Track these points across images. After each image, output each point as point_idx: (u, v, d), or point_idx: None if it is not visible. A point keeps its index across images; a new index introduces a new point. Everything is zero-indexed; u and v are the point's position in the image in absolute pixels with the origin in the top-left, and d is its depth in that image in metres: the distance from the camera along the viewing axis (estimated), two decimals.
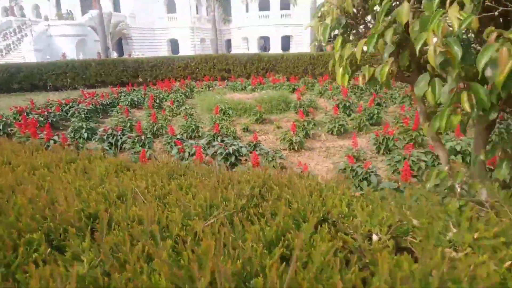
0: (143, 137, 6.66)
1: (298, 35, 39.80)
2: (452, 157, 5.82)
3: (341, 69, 2.30)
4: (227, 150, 5.68)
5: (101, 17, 20.86)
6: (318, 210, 1.50)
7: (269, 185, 1.89)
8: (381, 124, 8.26)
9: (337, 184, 1.91)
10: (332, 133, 7.53)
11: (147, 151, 5.58)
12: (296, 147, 6.63)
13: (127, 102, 10.50)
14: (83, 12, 34.54)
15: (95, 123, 8.90)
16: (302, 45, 39.48)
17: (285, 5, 39.54)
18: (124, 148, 6.77)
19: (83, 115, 9.05)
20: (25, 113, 8.34)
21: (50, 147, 5.32)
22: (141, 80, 17.31)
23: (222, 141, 6.44)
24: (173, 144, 6.60)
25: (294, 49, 38.45)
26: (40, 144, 5.90)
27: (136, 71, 17.72)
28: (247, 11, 40.64)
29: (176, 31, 38.52)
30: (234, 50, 40.27)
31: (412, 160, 5.21)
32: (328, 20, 2.18)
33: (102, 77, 17.33)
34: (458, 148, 5.70)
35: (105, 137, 6.88)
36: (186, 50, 37.31)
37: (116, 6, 36.27)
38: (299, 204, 1.53)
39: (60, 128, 8.95)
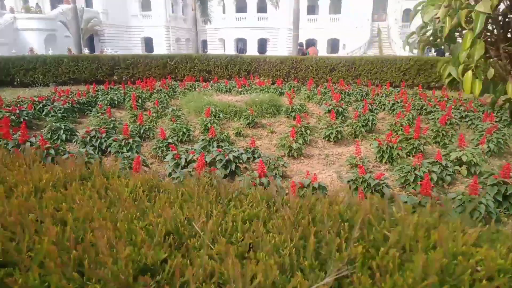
0: (130, 141, 6.14)
1: (274, 38, 39.83)
2: (457, 167, 5.70)
3: (469, 73, 1.92)
4: (226, 157, 5.28)
5: (75, 10, 19.80)
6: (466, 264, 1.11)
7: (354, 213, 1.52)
8: (374, 131, 8.12)
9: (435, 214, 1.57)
10: (328, 140, 7.28)
11: (140, 157, 5.08)
12: (295, 154, 6.32)
13: (106, 102, 9.84)
14: (53, 6, 32.96)
15: (72, 123, 8.25)
16: (277, 49, 39.53)
17: (262, 8, 39.46)
18: (109, 152, 6.22)
19: (59, 115, 8.35)
20: None
21: (26, 151, 4.74)
22: (116, 78, 16.54)
23: (218, 146, 6.03)
24: (164, 149, 6.13)
25: (270, 52, 38.38)
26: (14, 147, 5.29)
27: (112, 69, 16.92)
28: (223, 12, 40.20)
29: (150, 30, 37.51)
30: (210, 51, 39.68)
31: (423, 171, 5.01)
32: (484, 6, 1.69)
33: (75, 74, 16.41)
34: (464, 158, 5.57)
35: (87, 139, 6.30)
36: (161, 49, 36.43)
37: (88, 2, 34.85)
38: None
39: (34, 128, 8.22)
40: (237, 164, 5.43)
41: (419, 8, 2.19)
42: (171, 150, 5.60)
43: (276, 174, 5.10)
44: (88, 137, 6.31)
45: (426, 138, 6.58)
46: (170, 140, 6.22)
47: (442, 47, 2.32)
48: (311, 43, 40.74)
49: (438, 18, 1.81)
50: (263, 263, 1.14)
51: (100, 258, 1.09)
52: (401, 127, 7.35)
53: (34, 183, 1.74)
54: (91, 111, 9.52)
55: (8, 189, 1.66)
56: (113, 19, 35.14)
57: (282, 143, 6.40)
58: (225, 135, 6.61)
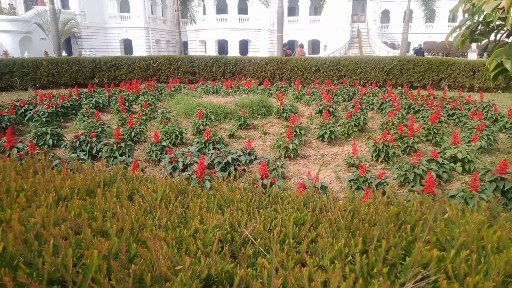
0: (123, 144, 5.96)
1: (256, 40, 39.83)
2: (452, 164, 5.77)
3: None
4: (225, 159, 5.19)
5: (54, 12, 19.21)
6: None
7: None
8: (366, 130, 8.17)
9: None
10: (322, 140, 7.27)
11: (138, 161, 4.93)
12: (292, 155, 6.27)
13: (91, 105, 9.55)
14: (27, 7, 31.97)
15: (57, 128, 7.96)
16: (259, 50, 39.54)
17: (242, 10, 39.43)
18: (100, 157, 6.02)
19: (43, 119, 8.05)
20: None
21: (13, 157, 4.51)
22: (97, 81, 16.14)
23: (214, 148, 5.93)
24: (158, 152, 5.97)
25: (252, 53, 38.37)
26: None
27: (93, 72, 16.47)
28: (204, 13, 39.92)
29: (129, 31, 36.87)
30: (191, 53, 39.34)
31: (422, 169, 5.05)
32: None
33: (55, 77, 15.91)
34: (460, 156, 5.65)
35: (77, 144, 6.08)
36: (140, 51, 35.84)
37: (64, 3, 33.96)
38: None
39: (16, 133, 7.89)
40: (235, 166, 5.34)
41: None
42: (168, 154, 5.46)
43: (277, 175, 5.04)
44: (78, 141, 6.09)
45: (420, 136, 6.66)
46: (164, 143, 6.07)
47: (483, 41, 2.30)
48: (292, 44, 40.97)
49: (502, 8, 1.78)
50: (332, 270, 1.07)
51: (162, 272, 1.00)
52: (393, 126, 7.42)
53: (56, 191, 1.61)
54: (76, 115, 9.25)
55: (29, 198, 1.53)
56: (90, 21, 34.38)
57: (278, 144, 6.34)
58: (219, 137, 6.51)
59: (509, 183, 4.67)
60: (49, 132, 6.73)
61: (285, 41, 41.43)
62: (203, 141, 6.05)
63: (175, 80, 14.82)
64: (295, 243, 1.29)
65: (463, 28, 2.26)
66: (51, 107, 8.61)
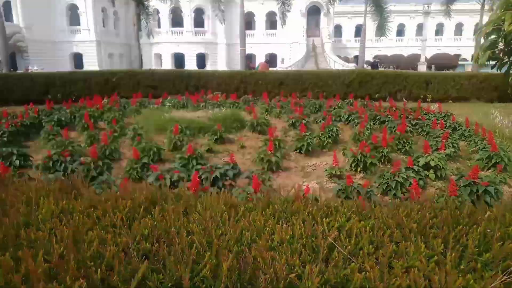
0: (100, 163, 5.71)
1: (213, 53, 39.94)
2: (425, 172, 6.11)
3: None
4: (213, 174, 5.13)
5: (2, 25, 18.10)
6: None
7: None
8: (339, 142, 8.43)
9: None
10: (299, 152, 7.41)
11: (128, 179, 4.73)
12: (274, 168, 6.33)
13: (54, 123, 9.07)
14: None
15: (19, 148, 7.46)
16: (217, 64, 39.67)
17: (199, 23, 39.48)
18: (77, 176, 5.70)
19: (4, 139, 7.51)
20: None
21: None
22: (50, 97, 15.33)
23: (198, 164, 5.84)
24: (139, 170, 5.78)
25: (209, 67, 38.39)
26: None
27: (47, 87, 15.63)
28: (159, 26, 39.47)
29: (80, 45, 35.49)
30: (146, 67, 38.57)
31: (402, 177, 5.31)
32: None
33: (4, 94, 14.90)
34: (432, 163, 6.00)
35: (50, 164, 5.73)
36: (92, 65, 34.58)
37: (7, 16, 32.09)
38: None
39: None
40: (223, 181, 5.30)
41: (497, 17, 2.32)
42: (152, 171, 5.31)
43: (266, 189, 5.06)
44: (51, 161, 5.75)
45: (393, 146, 6.99)
46: (145, 160, 5.89)
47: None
48: (249, 57, 41.51)
49: None
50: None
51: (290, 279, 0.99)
52: (365, 137, 7.73)
53: (119, 210, 1.52)
54: (37, 134, 8.73)
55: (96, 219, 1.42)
56: (38, 34, 32.69)
57: (260, 157, 6.38)
58: (198, 152, 6.42)
59: (482, 187, 5.03)
60: (15, 152, 6.29)
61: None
62: (186, 156, 5.94)
63: (138, 94, 14.43)
64: (373, 248, 1.32)
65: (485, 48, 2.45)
66: (11, 126, 8.06)
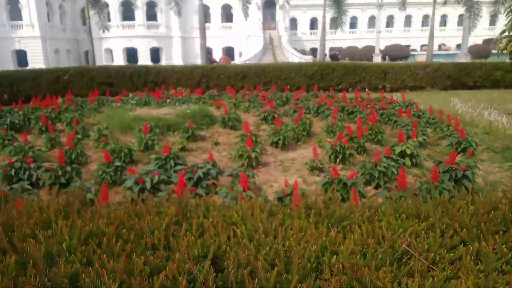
0: (69, 169, 5.27)
1: (168, 47, 38.84)
2: (402, 160, 6.23)
3: None
4: (196, 174, 4.90)
5: None
6: None
7: None
8: (311, 134, 8.43)
9: None
10: (276, 146, 7.32)
11: (106, 185, 4.37)
12: (254, 163, 6.18)
13: (6, 126, 8.31)
14: None
15: None
16: (172, 58, 38.61)
17: (151, 16, 38.16)
18: (43, 184, 5.24)
19: None
20: None
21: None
22: (5, 97, 14.11)
23: (176, 164, 5.56)
24: (112, 174, 5.40)
25: (164, 61, 37.27)
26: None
27: None
28: (108, 20, 37.64)
29: (23, 42, 33.05)
30: (97, 63, 36.82)
31: (384, 167, 5.36)
32: None
33: None
34: (408, 151, 6.14)
35: (12, 172, 5.20)
36: (37, 63, 32.33)
37: None
38: None
39: None
40: (206, 181, 5.08)
41: None
42: (129, 174, 4.97)
43: (255, 185, 4.90)
44: (13, 169, 5.21)
45: (368, 136, 7.09)
46: (117, 163, 5.51)
47: None
48: (206, 51, 40.83)
49: None
50: None
51: None
52: (337, 128, 7.78)
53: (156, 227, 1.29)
54: None
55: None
56: None
57: (239, 154, 6.20)
58: (173, 152, 6.12)
59: (460, 172, 5.19)
60: None
61: (197, 49, 41.27)
62: (163, 157, 5.63)
63: (95, 93, 13.60)
64: (445, 252, 1.22)
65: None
66: None
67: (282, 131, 7.22)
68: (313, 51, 40.88)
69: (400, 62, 21.33)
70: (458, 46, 38.60)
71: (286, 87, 14.10)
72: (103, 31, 26.13)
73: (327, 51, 44.27)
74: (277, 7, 39.18)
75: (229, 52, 40.62)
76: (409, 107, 9.86)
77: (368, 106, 9.43)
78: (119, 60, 36.46)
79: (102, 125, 8.82)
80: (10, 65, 31.62)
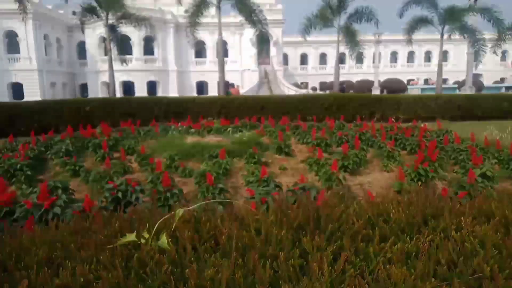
0: (175, 190, 5.35)
1: (165, 81, 39.27)
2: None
3: None
4: (308, 193, 5.05)
5: None
6: None
7: None
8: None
9: None
10: (345, 171, 7.55)
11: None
12: (340, 186, 6.39)
13: (61, 154, 8.30)
14: None
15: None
16: (168, 91, 38.99)
17: (148, 50, 38.76)
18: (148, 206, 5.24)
19: (22, 171, 6.65)
20: None
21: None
22: (22, 129, 13.89)
23: (276, 186, 5.71)
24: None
25: (160, 94, 37.56)
26: None
27: (11, 119, 14.18)
28: (105, 54, 38.00)
29: (20, 74, 32.78)
30: (92, 95, 36.76)
31: (481, 186, 5.66)
32: None
33: None
34: (489, 174, 6.49)
35: (119, 195, 5.20)
36: (33, 95, 32.02)
37: None
38: None
39: None
40: None
41: None
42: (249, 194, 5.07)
43: None
44: (120, 192, 5.22)
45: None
46: (221, 185, 5.61)
47: None
48: (202, 85, 41.52)
49: None
50: None
51: None
52: (396, 154, 8.11)
53: None
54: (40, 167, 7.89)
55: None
56: None
57: (326, 177, 6.40)
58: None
59: None
60: (60, 185, 5.61)
61: (193, 83, 41.89)
62: (264, 178, 5.77)
63: (128, 123, 13.51)
64: None
65: None
66: (25, 158, 7.19)
67: (351, 156, 7.49)
68: (306, 85, 42.27)
69: (404, 94, 22.44)
70: (445, 81, 40.85)
71: (314, 117, 14.50)
72: (122, 64, 26.50)
73: (317, 85, 45.85)
74: (271, 43, 40.63)
75: (226, 85, 41.40)
76: (445, 134, 10.36)
77: (413, 134, 9.87)
78: (116, 93, 36.48)
79: (158, 152, 8.89)
80: (5, 97, 31.23)
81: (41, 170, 8.04)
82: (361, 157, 8.00)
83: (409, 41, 24.12)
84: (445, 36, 23.47)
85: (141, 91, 37.01)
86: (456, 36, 24.91)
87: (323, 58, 48.40)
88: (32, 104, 14.89)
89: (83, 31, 29.51)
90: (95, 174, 6.38)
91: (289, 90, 34.23)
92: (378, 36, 27.96)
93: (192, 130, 11.37)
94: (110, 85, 23.73)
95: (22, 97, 31.92)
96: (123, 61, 25.86)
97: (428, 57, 49.73)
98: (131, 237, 1.47)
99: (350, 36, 22.67)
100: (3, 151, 8.97)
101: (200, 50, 41.73)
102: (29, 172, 6.84)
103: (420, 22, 23.36)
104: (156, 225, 1.62)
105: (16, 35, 32.32)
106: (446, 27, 23.92)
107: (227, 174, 7.11)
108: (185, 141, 9.04)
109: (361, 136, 10.33)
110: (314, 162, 7.36)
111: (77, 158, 7.87)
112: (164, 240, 1.41)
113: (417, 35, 28.15)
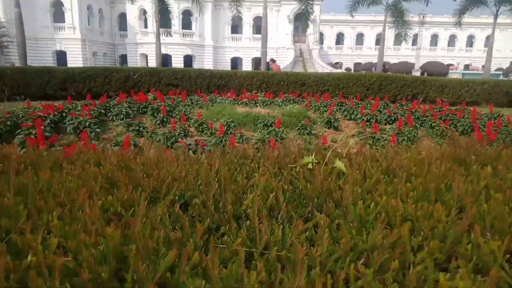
0: None
1: (200, 55, 39.60)
2: None
3: None
4: None
5: (19, 15, 17.05)
6: None
7: None
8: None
9: None
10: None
11: None
12: None
13: (122, 116, 8.79)
14: None
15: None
16: (204, 65, 39.35)
17: (186, 25, 39.03)
18: None
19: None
20: None
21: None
22: (74, 93, 14.63)
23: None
24: None
25: (196, 67, 37.97)
26: None
27: (64, 83, 14.93)
28: (145, 27, 38.63)
29: (64, 43, 33.93)
30: (131, 66, 37.62)
31: None
32: None
33: (21, 89, 14.10)
34: None
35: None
36: (76, 63, 33.17)
37: None
38: None
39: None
40: None
41: None
42: None
43: None
44: (191, 152, 5.59)
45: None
46: None
47: None
48: (236, 61, 41.60)
49: None
50: None
51: None
52: (448, 131, 8.11)
53: None
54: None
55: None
56: None
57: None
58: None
59: None
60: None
61: (228, 58, 41.99)
62: (325, 146, 6.00)
63: (156, 91, 13.98)
64: None
65: None
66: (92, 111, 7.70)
67: (406, 131, 7.58)
68: (340, 65, 41.57)
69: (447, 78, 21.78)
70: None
71: (358, 96, 14.47)
72: (166, 36, 26.91)
73: (351, 66, 44.94)
74: (308, 21, 39.95)
75: (258, 63, 41.37)
76: (497, 118, 10.19)
77: (463, 116, 9.78)
78: (153, 65, 37.23)
79: (211, 119, 9.24)
80: (50, 63, 32.46)
81: (103, 130, 8.59)
82: (415, 134, 8.07)
83: (459, 23, 23.18)
84: (499, 19, 22.44)
85: (177, 65, 37.54)
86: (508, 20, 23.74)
87: (359, 39, 47.17)
88: (85, 69, 15.50)
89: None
90: (162, 134, 6.78)
91: (324, 69, 33.79)
92: (423, 16, 26.96)
93: (240, 101, 11.66)
94: (156, 57, 24.25)
95: (66, 64, 33.15)
96: (168, 33, 26.23)
97: (470, 41, 47.56)
98: (308, 159, 1.72)
99: (398, 15, 21.97)
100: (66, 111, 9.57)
101: (236, 26, 41.61)
102: (98, 129, 7.29)
103: (474, 3, 22.34)
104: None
105: (62, 5, 33.29)
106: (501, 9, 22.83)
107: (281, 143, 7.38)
108: (236, 110, 9.32)
109: (411, 115, 10.33)
110: (370, 136, 7.50)
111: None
112: (339, 163, 1.62)
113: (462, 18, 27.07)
